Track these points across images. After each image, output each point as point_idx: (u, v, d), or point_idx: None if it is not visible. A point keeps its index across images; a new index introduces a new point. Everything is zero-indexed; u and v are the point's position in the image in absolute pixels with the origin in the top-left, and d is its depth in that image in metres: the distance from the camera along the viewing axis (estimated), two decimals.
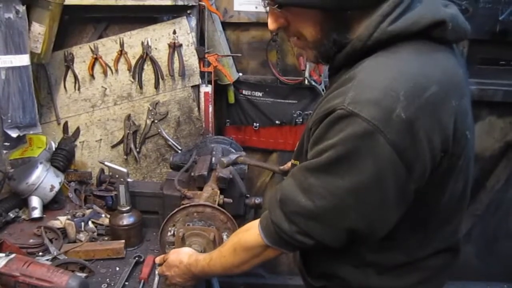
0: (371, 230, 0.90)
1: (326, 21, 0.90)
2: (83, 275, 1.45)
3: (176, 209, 1.39)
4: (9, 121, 1.63)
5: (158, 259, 1.33)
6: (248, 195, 1.72)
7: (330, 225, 0.90)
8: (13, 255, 1.26)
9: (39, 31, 1.72)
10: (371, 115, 0.79)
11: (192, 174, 1.62)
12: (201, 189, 1.57)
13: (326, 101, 0.89)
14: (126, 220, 1.62)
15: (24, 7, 1.63)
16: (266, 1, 0.94)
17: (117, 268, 1.52)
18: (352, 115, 0.80)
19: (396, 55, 0.86)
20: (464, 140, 0.91)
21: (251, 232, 1.04)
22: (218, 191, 1.54)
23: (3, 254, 1.29)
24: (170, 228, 1.36)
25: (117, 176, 1.61)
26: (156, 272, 1.48)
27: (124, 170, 1.61)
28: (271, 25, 0.98)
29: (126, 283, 1.45)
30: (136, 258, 1.56)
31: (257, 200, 1.69)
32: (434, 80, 0.84)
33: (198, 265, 1.18)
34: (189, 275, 1.22)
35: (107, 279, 1.46)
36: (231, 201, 1.54)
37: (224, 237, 1.33)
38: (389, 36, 0.85)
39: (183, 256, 1.23)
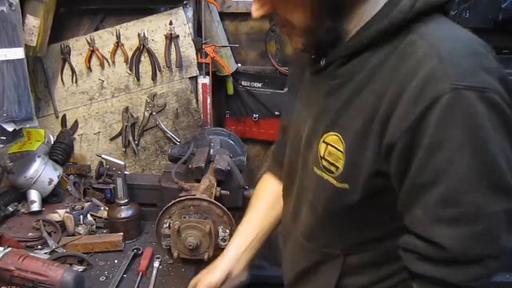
0: None
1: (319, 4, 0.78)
2: (82, 268, 1.45)
3: (172, 202, 1.39)
4: (5, 115, 1.62)
5: None
6: (247, 187, 1.71)
7: None
8: (8, 249, 1.26)
9: (34, 24, 1.71)
10: (482, 81, 0.70)
11: (190, 166, 1.61)
12: (198, 181, 1.56)
13: (404, 105, 0.72)
14: (124, 212, 1.62)
15: (17, 0, 1.61)
16: None
17: (116, 261, 1.52)
18: (468, 90, 0.68)
19: (435, 25, 0.78)
20: None
21: None
22: (215, 183, 1.53)
23: (1, 248, 1.30)
24: (166, 220, 1.36)
25: (114, 169, 1.61)
26: (155, 265, 1.48)
27: (121, 162, 1.61)
28: (255, 12, 0.82)
29: (125, 275, 1.45)
30: (135, 251, 1.56)
31: None
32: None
33: None
34: None
35: (106, 272, 1.46)
36: (228, 193, 1.53)
37: (220, 230, 1.32)
38: (429, 7, 0.77)
39: None
